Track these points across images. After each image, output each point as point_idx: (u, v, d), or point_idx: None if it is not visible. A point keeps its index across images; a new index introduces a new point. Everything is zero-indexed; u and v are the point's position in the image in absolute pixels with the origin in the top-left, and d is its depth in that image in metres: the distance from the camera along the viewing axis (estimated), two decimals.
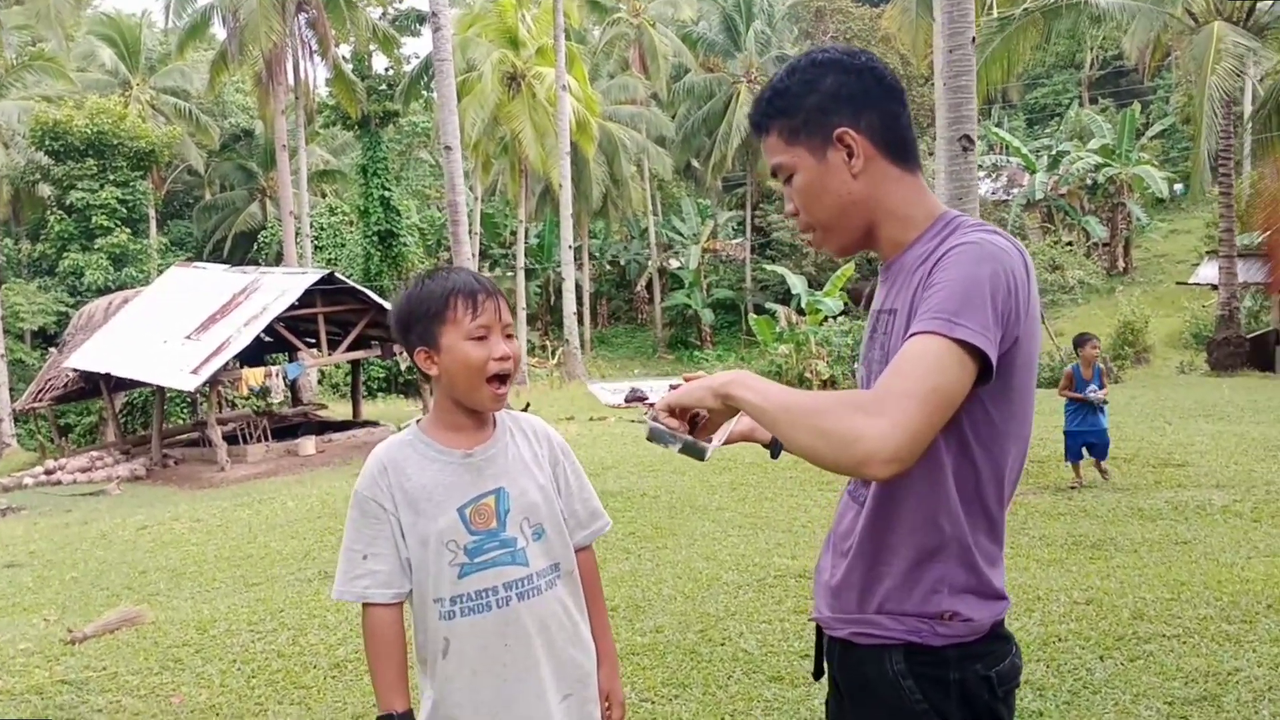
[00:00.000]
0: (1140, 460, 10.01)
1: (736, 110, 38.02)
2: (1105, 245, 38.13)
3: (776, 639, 4.83)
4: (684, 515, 8.52)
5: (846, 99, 1.74)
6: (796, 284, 30.83)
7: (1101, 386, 9.13)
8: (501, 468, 2.14)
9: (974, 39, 9.08)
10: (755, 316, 31.15)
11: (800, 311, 29.22)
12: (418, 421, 2.20)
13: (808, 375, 24.52)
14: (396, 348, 19.41)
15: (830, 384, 24.44)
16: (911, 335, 1.56)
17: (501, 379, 2.08)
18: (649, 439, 1.82)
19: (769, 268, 37.69)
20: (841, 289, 28.90)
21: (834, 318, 28.03)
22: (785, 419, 1.57)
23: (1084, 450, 9.19)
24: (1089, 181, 36.31)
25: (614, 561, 6.69)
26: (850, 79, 1.75)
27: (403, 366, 28.10)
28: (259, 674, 4.77)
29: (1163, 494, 8.51)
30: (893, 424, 1.46)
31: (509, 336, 2.11)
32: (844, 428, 1.49)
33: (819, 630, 1.93)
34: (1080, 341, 9.45)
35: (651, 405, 1.89)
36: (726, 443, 1.97)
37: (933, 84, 16.07)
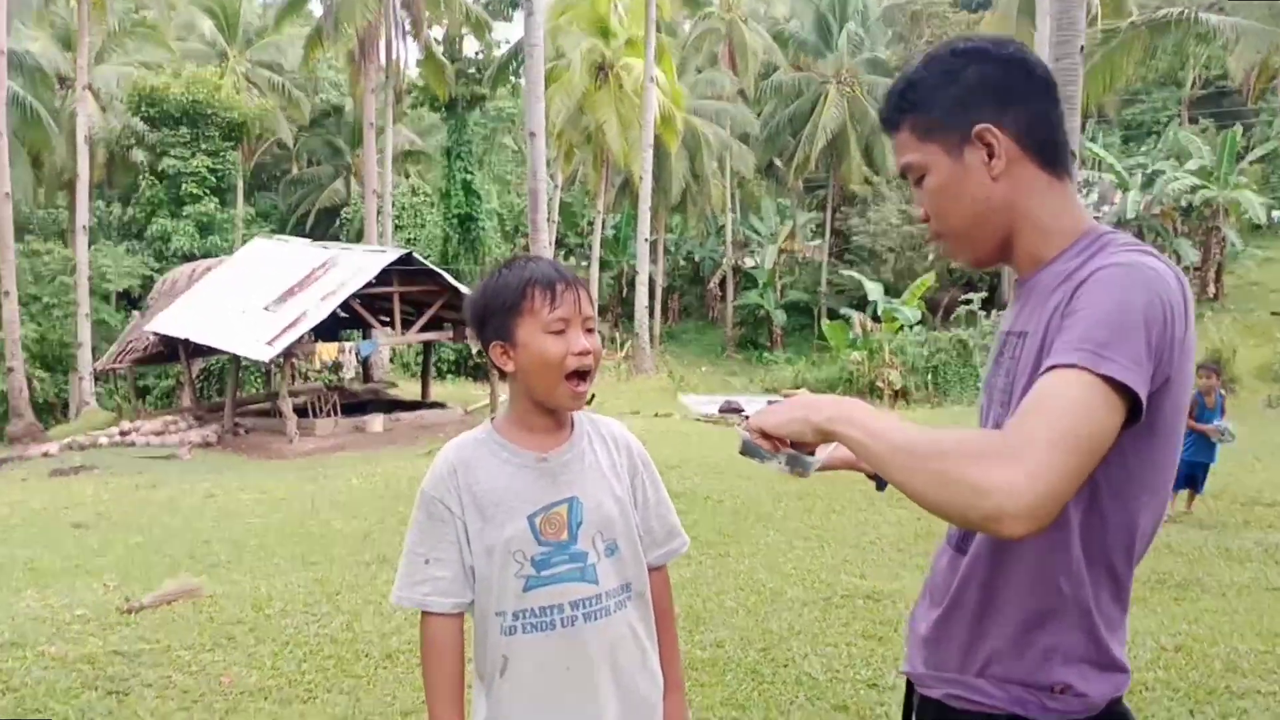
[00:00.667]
0: (1228, 497, 9.59)
1: (824, 111, 37.53)
2: (1196, 269, 36.98)
3: (842, 664, 4.62)
4: (748, 523, 8.33)
5: (990, 92, 1.53)
6: (873, 290, 30.44)
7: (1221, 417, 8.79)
8: (577, 474, 1.98)
9: (1082, 48, 8.72)
10: (829, 321, 30.83)
11: (875, 319, 28.88)
12: (492, 419, 2.05)
13: (879, 384, 24.17)
14: (469, 331, 19.51)
15: (902, 394, 24.04)
16: (1051, 368, 1.35)
17: (581, 375, 1.92)
18: (742, 453, 1.67)
19: (846, 273, 37.22)
20: (920, 298, 28.47)
21: (910, 327, 27.61)
22: (899, 462, 1.38)
23: (1188, 481, 8.83)
24: (1184, 203, 35.21)
25: (675, 567, 6.47)
26: (995, 70, 1.54)
27: (473, 350, 28.26)
28: (310, 658, 4.69)
29: (1252, 534, 8.13)
30: (1030, 475, 1.25)
31: (590, 330, 1.94)
32: (971, 477, 1.28)
33: (909, 685, 1.74)
34: (1197, 369, 9.12)
35: (747, 418, 1.73)
36: (824, 469, 1.81)
37: None
